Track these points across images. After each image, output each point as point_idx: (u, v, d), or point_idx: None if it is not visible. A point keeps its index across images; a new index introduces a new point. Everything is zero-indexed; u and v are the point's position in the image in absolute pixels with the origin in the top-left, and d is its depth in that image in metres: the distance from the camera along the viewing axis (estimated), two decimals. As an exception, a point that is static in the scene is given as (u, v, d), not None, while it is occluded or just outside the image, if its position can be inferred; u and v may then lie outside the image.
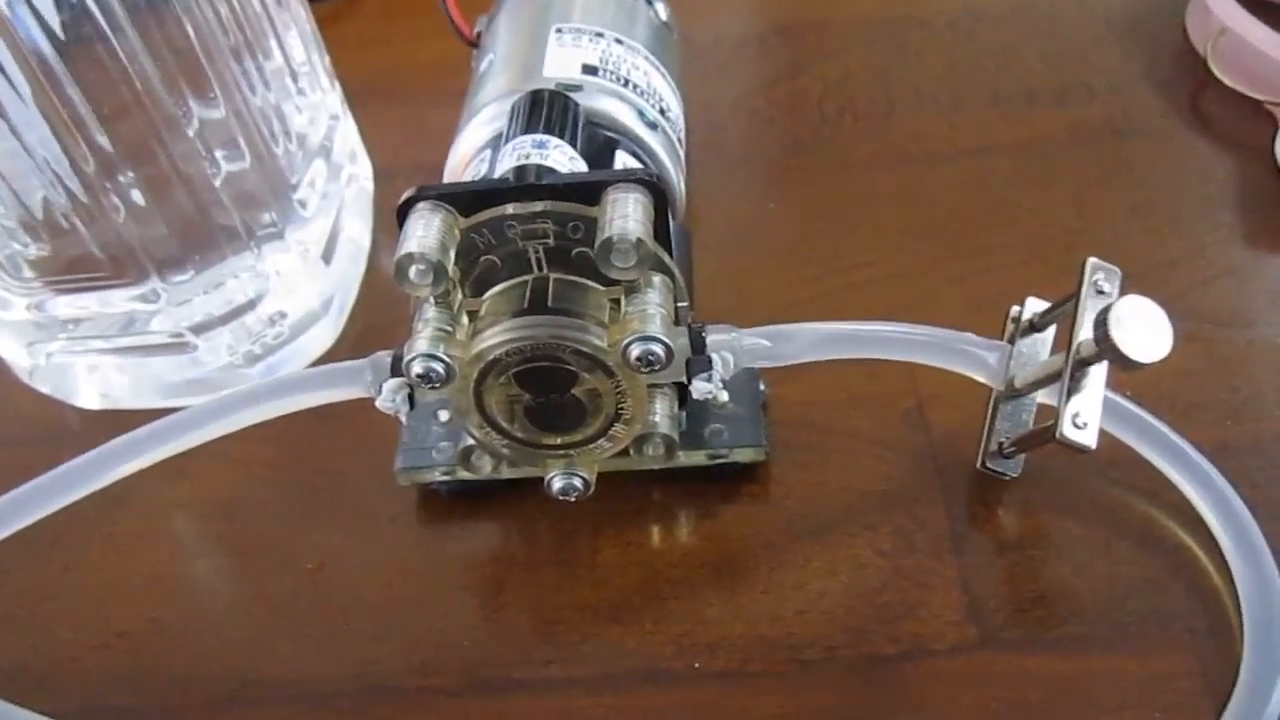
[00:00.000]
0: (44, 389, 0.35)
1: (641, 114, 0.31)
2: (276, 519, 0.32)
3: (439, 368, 0.25)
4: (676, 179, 0.32)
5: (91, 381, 0.35)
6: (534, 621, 0.29)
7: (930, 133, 0.41)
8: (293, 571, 0.31)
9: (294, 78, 0.33)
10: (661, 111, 0.32)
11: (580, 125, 0.29)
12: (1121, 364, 0.24)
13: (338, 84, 0.38)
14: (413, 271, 0.24)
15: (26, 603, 0.31)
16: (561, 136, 0.28)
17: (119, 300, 0.32)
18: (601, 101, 0.30)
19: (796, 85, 0.44)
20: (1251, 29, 0.39)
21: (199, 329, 0.32)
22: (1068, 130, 0.40)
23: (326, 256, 0.35)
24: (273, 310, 0.33)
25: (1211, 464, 0.28)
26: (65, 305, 0.32)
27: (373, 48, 0.46)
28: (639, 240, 0.24)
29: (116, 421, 0.29)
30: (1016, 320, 0.30)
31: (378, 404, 0.27)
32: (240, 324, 0.33)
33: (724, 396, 0.31)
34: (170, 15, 0.28)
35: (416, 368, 0.25)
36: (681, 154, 0.33)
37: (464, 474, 0.30)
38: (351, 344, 0.36)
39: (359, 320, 0.37)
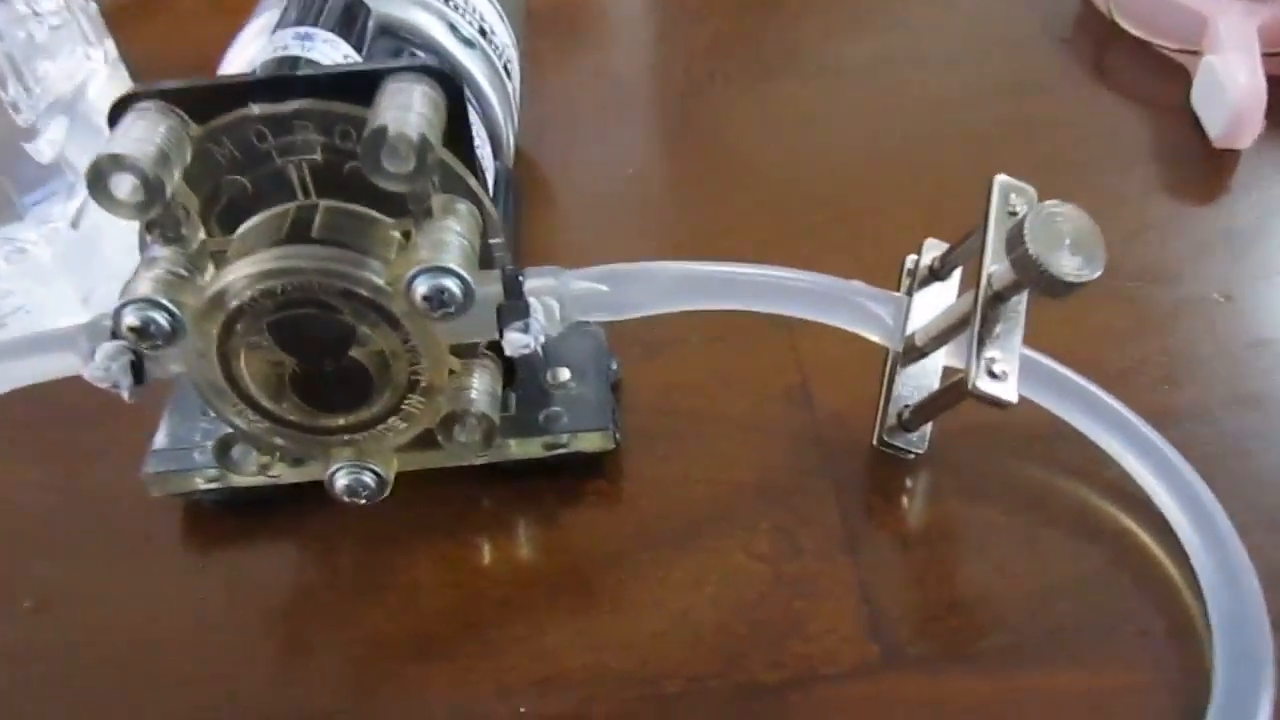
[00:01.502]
0: None
1: (455, 29, 0.25)
2: (8, 550, 0.25)
3: (161, 319, 0.19)
4: (501, 113, 0.26)
5: None
6: (324, 661, 0.23)
7: (807, 96, 0.36)
8: (20, 615, 0.24)
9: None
10: (481, 31, 0.26)
11: (369, 31, 0.23)
12: (1047, 288, 0.19)
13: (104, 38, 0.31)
14: (113, 181, 0.18)
15: None
16: (334, 32, 0.22)
17: None
18: (403, 11, 0.24)
19: (664, 50, 0.39)
20: (1154, -26, 0.36)
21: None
22: (962, 90, 0.36)
23: (75, 222, 0.28)
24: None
25: (1155, 433, 0.23)
26: None
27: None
28: (422, 139, 0.18)
29: None
30: (913, 271, 0.25)
31: (87, 374, 0.20)
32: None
33: (565, 373, 0.25)
34: None
35: (129, 318, 0.19)
36: (510, 88, 0.27)
37: (236, 479, 0.24)
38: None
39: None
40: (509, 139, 0.27)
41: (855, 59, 0.37)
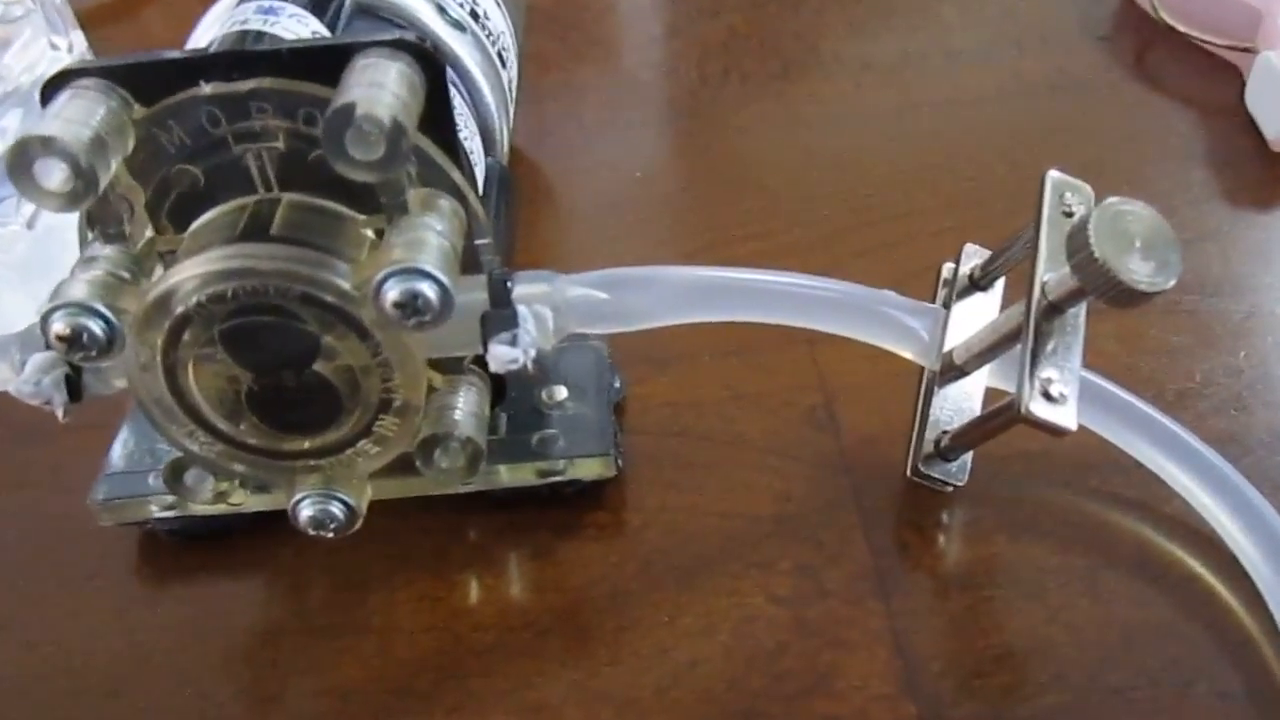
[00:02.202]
0: None
1: (442, 10, 0.23)
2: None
3: (96, 326, 0.17)
4: (494, 104, 0.24)
5: None
6: (290, 711, 0.20)
7: (831, 94, 0.34)
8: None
9: None
10: (473, 13, 0.24)
11: (345, 9, 0.21)
12: (1116, 297, 0.16)
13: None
14: (39, 166, 0.16)
15: None
16: (303, 8, 0.20)
17: None
18: (385, -12, 0.22)
19: (673, 46, 0.37)
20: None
21: None
22: (997, 89, 0.33)
23: (31, 223, 0.26)
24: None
25: (1225, 462, 0.20)
26: None
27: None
28: (394, 122, 0.15)
29: None
30: (950, 281, 0.22)
31: (13, 389, 0.18)
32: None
33: (562, 392, 0.23)
34: None
35: (58, 324, 0.17)
36: (506, 78, 0.25)
37: (194, 507, 0.21)
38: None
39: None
40: (503, 134, 0.24)
41: (882, 55, 0.35)
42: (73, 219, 0.18)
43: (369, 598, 0.22)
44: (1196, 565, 0.20)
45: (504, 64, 0.25)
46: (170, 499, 0.22)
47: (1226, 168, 0.29)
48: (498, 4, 0.26)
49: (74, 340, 0.17)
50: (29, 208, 0.26)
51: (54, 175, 0.16)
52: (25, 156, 0.16)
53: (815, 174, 0.31)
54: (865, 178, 0.30)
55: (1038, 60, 0.34)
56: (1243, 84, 0.31)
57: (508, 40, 0.26)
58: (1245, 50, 0.32)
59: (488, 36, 0.24)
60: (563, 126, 0.33)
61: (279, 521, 0.21)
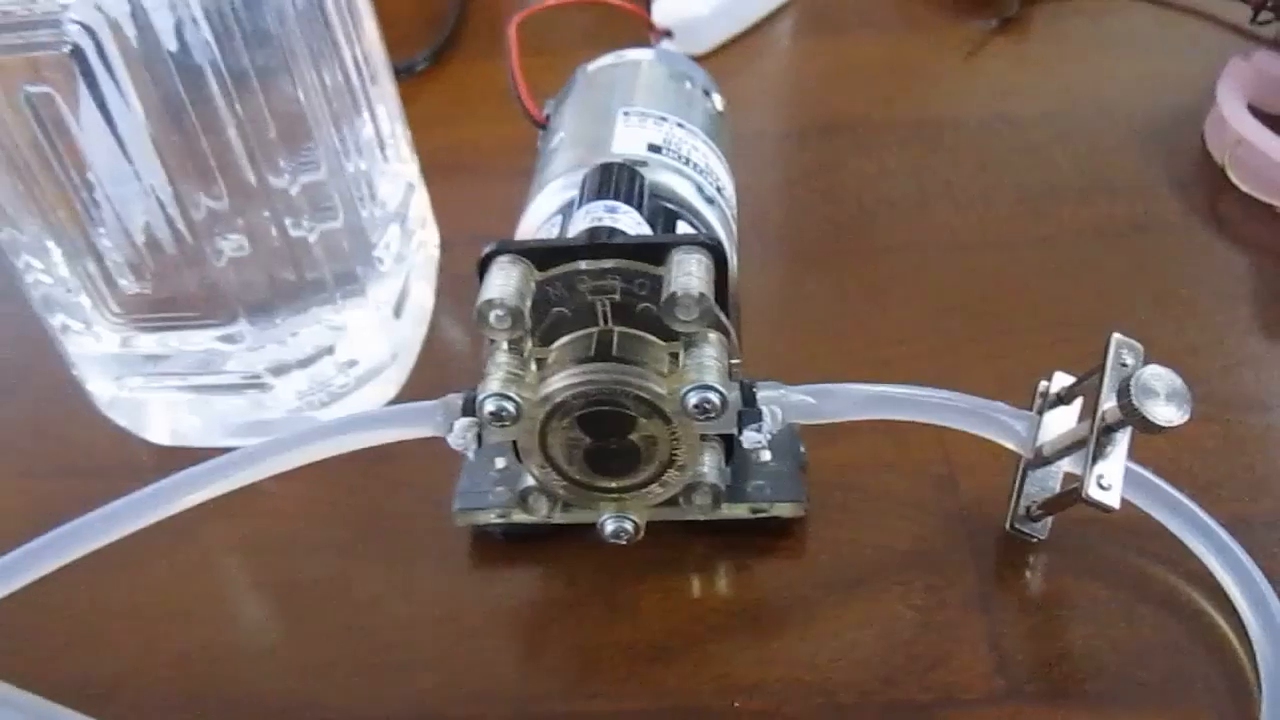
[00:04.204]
0: (121, 421, 0.38)
1: (700, 189, 0.33)
2: (332, 554, 0.34)
3: (510, 407, 0.27)
4: (730, 251, 0.34)
5: (164, 418, 0.37)
6: (579, 659, 0.31)
7: (961, 225, 0.43)
8: (349, 604, 0.33)
9: (381, 147, 0.36)
10: (718, 189, 0.34)
11: (646, 196, 0.32)
12: (1144, 428, 0.26)
13: (415, 156, 0.41)
14: (493, 316, 0.27)
15: (95, 621, 0.33)
16: (629, 204, 0.30)
17: (202, 340, 0.35)
18: (665, 176, 0.33)
19: (835, 178, 0.47)
20: (1267, 140, 0.42)
21: (276, 370, 0.35)
22: (1093, 227, 0.43)
23: (397, 312, 0.37)
24: (345, 358, 0.35)
25: (1231, 537, 0.29)
26: (150, 341, 0.35)
27: (439, 126, 0.50)
28: (701, 295, 0.26)
29: (186, 457, 0.31)
30: (1044, 394, 0.32)
31: (449, 440, 0.29)
32: (314, 369, 0.35)
33: (766, 455, 0.33)
34: (284, 83, 0.31)
35: (489, 405, 0.27)
36: (734, 230, 0.35)
37: (518, 516, 0.32)
38: (411, 398, 0.38)
39: (418, 376, 0.39)
40: (734, 269, 0.35)
41: (1002, 192, 0.45)
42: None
43: (626, 587, 0.32)
44: (1205, 605, 0.30)
45: (734, 220, 0.35)
46: (501, 510, 0.32)
47: (1269, 306, 0.38)
48: (728, 176, 0.36)
49: (497, 415, 0.27)
50: (395, 296, 0.37)
51: (499, 320, 0.27)
52: (484, 313, 0.27)
53: (949, 296, 0.40)
54: (984, 298, 0.40)
55: (1128, 204, 0.43)
56: (1291, 236, 0.40)
57: (734, 201, 0.36)
58: (1295, 210, 0.40)
59: (726, 204, 0.35)
60: (749, 241, 0.43)
61: (572, 530, 0.31)
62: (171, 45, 0.28)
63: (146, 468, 0.37)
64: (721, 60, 0.56)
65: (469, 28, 0.62)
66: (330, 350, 0.35)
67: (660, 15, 0.56)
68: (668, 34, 0.56)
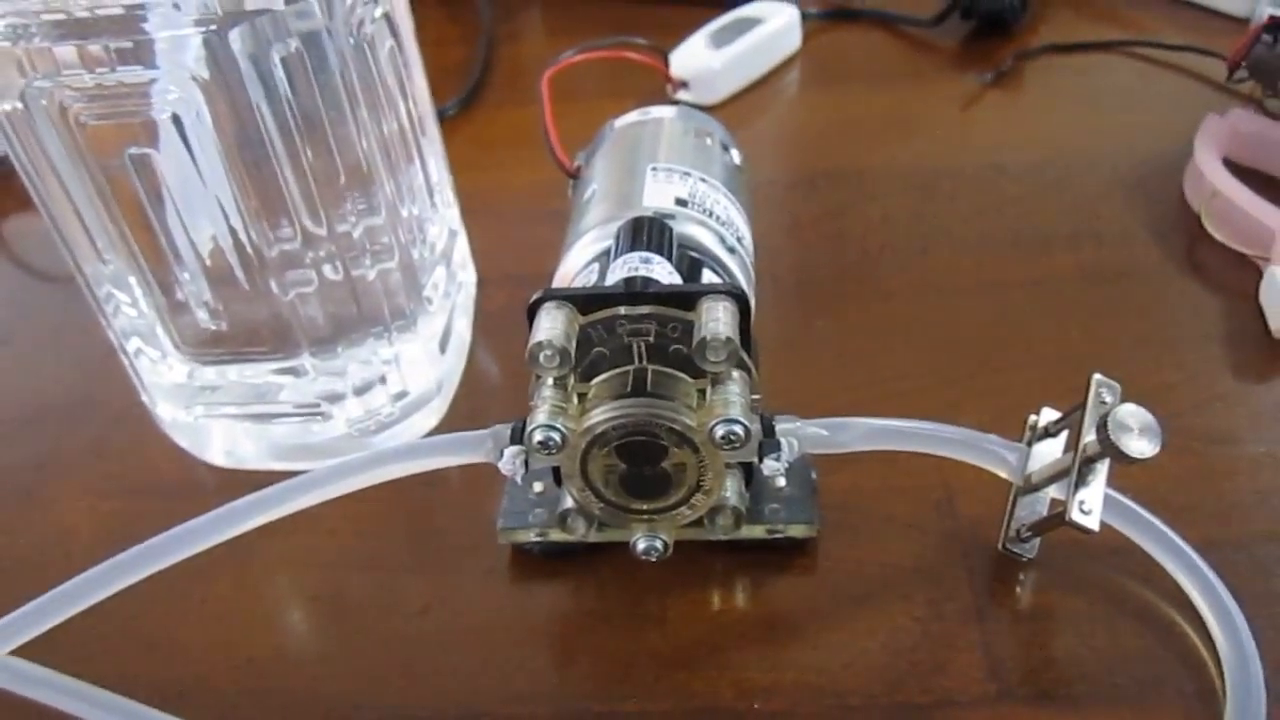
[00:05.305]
0: (183, 443, 0.41)
1: (723, 239, 0.37)
2: (386, 568, 0.37)
3: (556, 437, 0.31)
4: (753, 299, 0.37)
5: (222, 441, 0.40)
6: (611, 664, 0.34)
7: (958, 268, 0.47)
8: (398, 614, 0.36)
9: (430, 194, 0.40)
10: (738, 239, 0.38)
11: (675, 246, 0.35)
12: (1120, 459, 0.30)
13: (456, 201, 0.44)
14: (542, 356, 0.30)
15: (168, 629, 0.36)
16: (660, 254, 0.34)
17: (263, 372, 0.38)
18: (691, 228, 0.36)
19: (842, 223, 0.50)
20: (1239, 193, 0.46)
21: (331, 399, 0.38)
22: (1079, 271, 0.46)
23: (442, 347, 0.40)
24: (396, 390, 0.39)
25: (1201, 557, 0.32)
26: (214, 373, 0.38)
27: (471, 171, 0.53)
28: (728, 339, 0.30)
29: (243, 479, 0.34)
30: (1033, 427, 0.35)
31: (500, 466, 0.32)
32: (367, 398, 0.38)
33: (782, 480, 0.36)
34: (350, 134, 0.34)
35: (538, 435, 0.31)
36: (752, 275, 0.39)
37: (555, 535, 0.35)
38: (451, 426, 0.42)
39: (458, 406, 0.43)
40: (753, 312, 0.38)
41: (998, 237, 0.48)
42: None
43: (653, 599, 0.35)
44: (1176, 618, 0.33)
45: (752, 267, 0.39)
46: (539, 529, 0.36)
47: (1239, 346, 0.42)
48: (747, 226, 0.40)
49: (545, 444, 0.31)
50: (440, 332, 0.41)
51: (549, 360, 0.30)
52: (535, 354, 0.30)
53: (947, 332, 0.44)
54: (979, 338, 0.43)
55: (1113, 250, 0.47)
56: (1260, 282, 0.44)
57: (752, 248, 0.40)
58: (1264, 259, 0.44)
59: (745, 253, 0.38)
60: (761, 282, 0.47)
61: (601, 549, 0.35)
62: (260, 100, 0.31)
63: (206, 488, 0.41)
64: (732, 110, 0.60)
65: (493, 75, 0.66)
66: (383, 381, 0.38)
67: (677, 68, 0.60)
68: (684, 84, 0.60)
